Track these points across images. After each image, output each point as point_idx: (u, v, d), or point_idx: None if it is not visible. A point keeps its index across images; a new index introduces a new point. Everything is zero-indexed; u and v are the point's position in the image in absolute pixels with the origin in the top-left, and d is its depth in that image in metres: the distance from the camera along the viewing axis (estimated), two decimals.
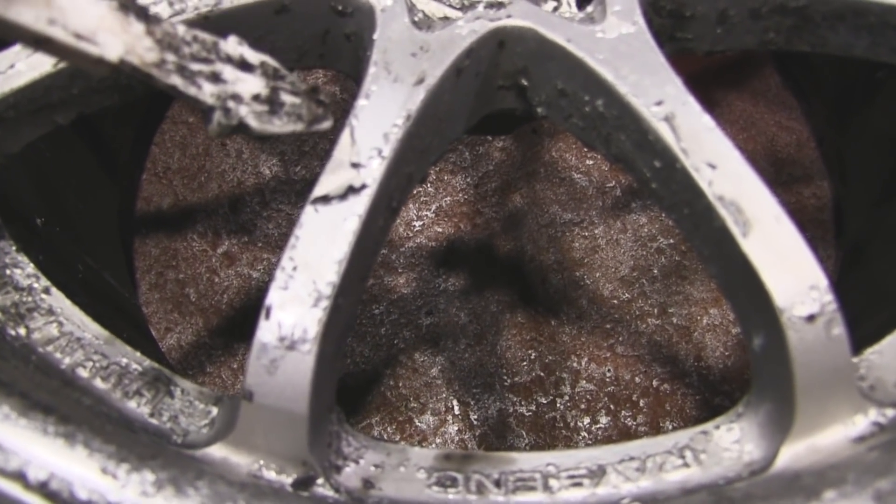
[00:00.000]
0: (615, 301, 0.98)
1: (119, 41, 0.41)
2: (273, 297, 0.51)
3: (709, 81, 1.14)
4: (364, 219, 0.53)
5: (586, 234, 1.02)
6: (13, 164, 0.70)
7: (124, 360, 0.60)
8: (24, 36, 0.38)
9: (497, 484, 0.53)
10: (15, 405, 0.48)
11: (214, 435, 0.55)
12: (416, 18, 0.60)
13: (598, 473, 0.53)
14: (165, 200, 1.07)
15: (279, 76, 0.48)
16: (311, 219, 0.53)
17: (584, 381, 0.93)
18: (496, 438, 0.91)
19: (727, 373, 0.94)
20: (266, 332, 0.50)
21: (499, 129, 0.83)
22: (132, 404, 0.57)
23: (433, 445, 0.90)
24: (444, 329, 0.96)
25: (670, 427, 0.91)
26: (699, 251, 0.57)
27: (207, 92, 0.45)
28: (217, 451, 0.53)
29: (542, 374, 0.94)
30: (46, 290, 0.62)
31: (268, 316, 0.51)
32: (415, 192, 1.04)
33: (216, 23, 0.62)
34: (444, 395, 0.93)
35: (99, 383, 0.58)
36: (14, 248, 0.64)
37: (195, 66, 0.44)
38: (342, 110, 1.08)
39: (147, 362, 0.60)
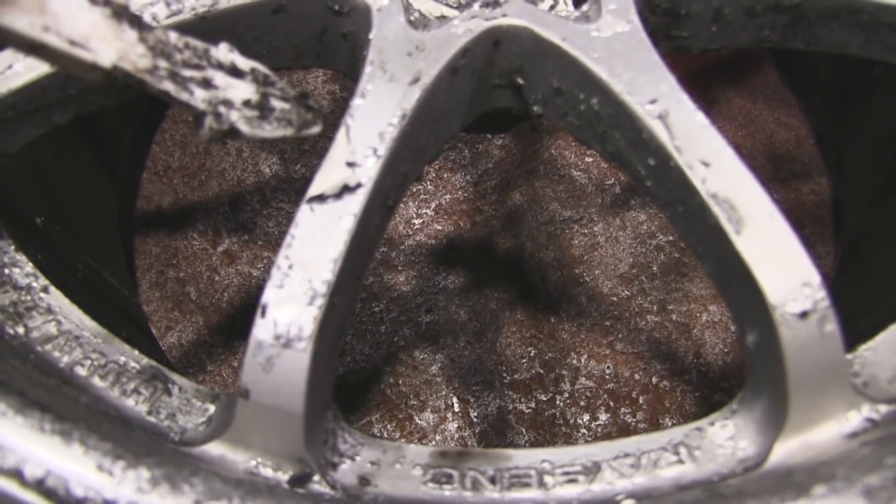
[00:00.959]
0: (614, 298, 0.98)
1: (112, 48, 0.41)
2: (269, 295, 0.51)
3: (708, 78, 1.14)
4: (359, 217, 0.53)
5: (585, 231, 1.02)
6: (12, 164, 0.71)
7: (122, 359, 0.60)
8: (19, 42, 0.38)
9: (492, 480, 0.54)
10: (12, 403, 0.48)
11: (211, 432, 0.56)
12: (412, 18, 0.61)
13: (592, 470, 0.54)
14: (166, 199, 1.07)
15: (269, 82, 0.49)
16: (307, 217, 0.53)
17: (584, 378, 0.93)
18: (496, 436, 0.91)
19: (726, 369, 0.94)
20: (262, 330, 0.51)
21: (496, 127, 0.83)
22: (130, 402, 0.58)
23: (433, 443, 0.91)
24: (443, 326, 0.97)
25: (670, 424, 0.91)
26: (694, 248, 0.57)
27: (199, 97, 0.45)
28: (214, 449, 0.53)
29: (541, 371, 0.94)
30: (45, 289, 0.62)
31: (264, 314, 0.51)
32: (414, 189, 1.05)
33: (213, 23, 0.62)
34: (443, 393, 0.93)
35: (97, 381, 0.58)
36: (13, 247, 0.64)
37: (187, 73, 0.45)
38: (342, 108, 1.08)
39: (145, 360, 0.60)
